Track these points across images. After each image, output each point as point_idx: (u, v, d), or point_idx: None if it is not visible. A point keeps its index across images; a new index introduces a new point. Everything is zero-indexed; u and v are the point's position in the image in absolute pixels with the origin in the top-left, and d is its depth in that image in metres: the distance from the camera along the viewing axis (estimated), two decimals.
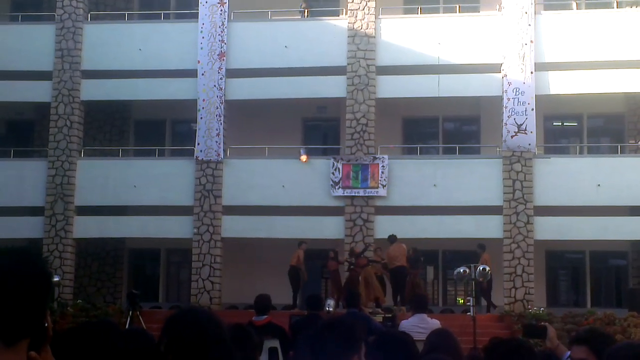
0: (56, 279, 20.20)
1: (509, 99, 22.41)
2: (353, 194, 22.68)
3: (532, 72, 22.39)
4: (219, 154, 23.28)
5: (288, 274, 21.28)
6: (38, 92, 24.38)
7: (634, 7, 23.60)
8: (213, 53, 23.56)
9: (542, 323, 5.75)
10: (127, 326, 15.12)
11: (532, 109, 22.34)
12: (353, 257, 20.65)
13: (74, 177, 23.80)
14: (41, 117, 25.81)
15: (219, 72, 23.50)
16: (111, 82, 24.12)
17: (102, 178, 23.73)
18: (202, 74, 23.53)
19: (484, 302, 21.51)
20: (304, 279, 21.52)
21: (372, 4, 23.33)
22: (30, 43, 24.36)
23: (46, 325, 2.14)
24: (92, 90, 24.27)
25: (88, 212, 23.71)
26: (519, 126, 22.38)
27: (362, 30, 23.26)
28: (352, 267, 20.49)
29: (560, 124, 25.87)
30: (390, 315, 16.95)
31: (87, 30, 24.50)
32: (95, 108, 25.47)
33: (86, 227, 23.66)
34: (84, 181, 23.80)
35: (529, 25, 22.58)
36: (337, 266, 21.17)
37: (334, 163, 22.88)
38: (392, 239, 20.79)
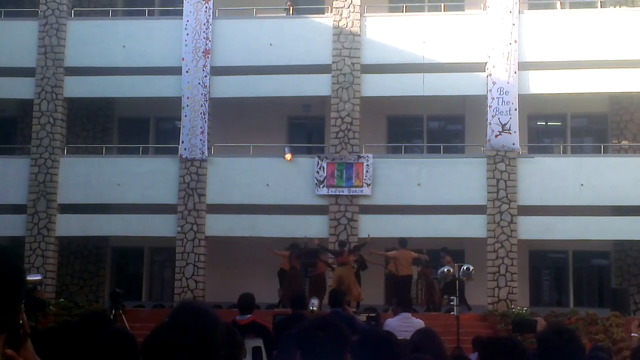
0: (38, 277, 20.04)
1: (493, 99, 22.44)
2: (337, 193, 22.65)
3: (515, 72, 22.44)
4: (203, 152, 23.18)
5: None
6: (21, 88, 24.19)
7: (617, 7, 23.71)
8: (198, 50, 23.45)
9: (535, 318, 5.75)
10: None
11: (516, 109, 22.38)
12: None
13: (56, 175, 23.63)
14: (24, 114, 25.61)
15: (203, 70, 23.40)
16: (95, 79, 23.96)
17: (85, 176, 23.58)
18: (187, 72, 23.42)
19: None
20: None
21: (357, 2, 23.28)
22: (12, 39, 24.17)
23: (21, 322, 2.10)
24: (76, 87, 24.10)
25: (71, 210, 23.56)
26: (503, 126, 22.42)
27: (347, 28, 23.23)
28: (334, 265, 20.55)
29: (544, 123, 25.96)
30: (374, 314, 16.93)
31: (70, 27, 24.32)
32: (79, 105, 25.32)
33: (69, 225, 23.51)
34: (67, 179, 23.64)
35: (513, 24, 22.62)
36: (325, 268, 21.05)
37: (318, 162, 22.84)
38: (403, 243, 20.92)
